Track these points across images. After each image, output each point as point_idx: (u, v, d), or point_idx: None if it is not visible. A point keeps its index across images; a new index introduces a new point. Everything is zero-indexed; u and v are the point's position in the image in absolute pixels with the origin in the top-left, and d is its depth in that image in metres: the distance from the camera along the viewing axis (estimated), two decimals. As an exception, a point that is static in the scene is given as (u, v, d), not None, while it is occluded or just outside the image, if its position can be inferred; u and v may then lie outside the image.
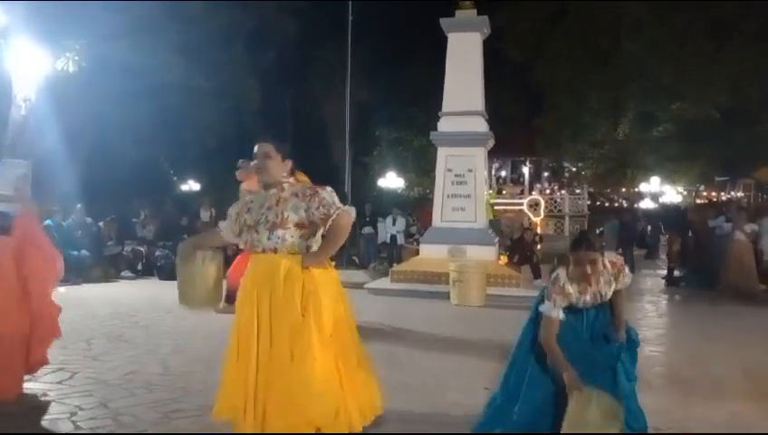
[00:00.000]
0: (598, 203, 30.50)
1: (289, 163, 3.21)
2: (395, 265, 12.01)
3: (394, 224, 15.00)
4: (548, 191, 26.42)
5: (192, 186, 22.76)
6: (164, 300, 8.31)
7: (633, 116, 23.85)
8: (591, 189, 27.65)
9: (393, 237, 14.89)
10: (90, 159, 15.69)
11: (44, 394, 4.26)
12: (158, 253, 12.26)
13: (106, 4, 11.76)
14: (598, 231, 23.18)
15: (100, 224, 12.59)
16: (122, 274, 11.96)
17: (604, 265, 3.35)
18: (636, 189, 28.31)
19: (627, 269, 3.50)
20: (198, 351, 5.75)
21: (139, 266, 12.24)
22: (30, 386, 4.30)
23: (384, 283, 10.66)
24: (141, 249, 12.48)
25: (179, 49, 14.72)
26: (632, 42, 21.52)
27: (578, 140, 24.48)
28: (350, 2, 13.18)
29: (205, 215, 14.69)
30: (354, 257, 13.39)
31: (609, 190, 31.75)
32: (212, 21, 15.64)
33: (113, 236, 12.64)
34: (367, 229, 15.69)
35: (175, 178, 22.97)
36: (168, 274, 11.42)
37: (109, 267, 11.56)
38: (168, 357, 5.46)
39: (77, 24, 11.65)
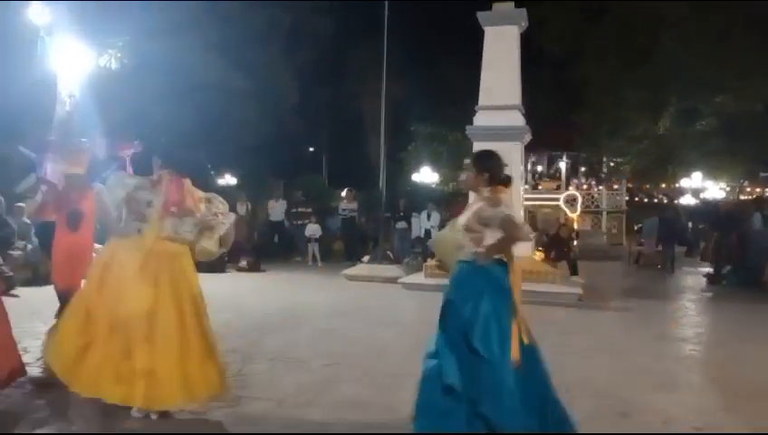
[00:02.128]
0: (637, 199, 29.89)
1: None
2: (429, 260, 11.99)
3: (429, 219, 14.97)
4: (585, 187, 26.00)
5: (229, 180, 23.07)
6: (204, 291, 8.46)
7: (674, 111, 23.29)
8: (630, 185, 27.11)
9: (428, 232, 14.86)
10: (131, 155, 15.99)
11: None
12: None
13: (147, 3, 11.99)
14: (636, 228, 22.76)
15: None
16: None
17: None
18: (677, 185, 27.63)
19: None
20: (235, 342, 5.84)
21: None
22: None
23: (418, 278, 10.65)
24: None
25: (218, 48, 14.95)
26: (672, 38, 21.04)
27: (617, 135, 24.03)
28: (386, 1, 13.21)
29: (241, 209, 14.91)
30: (388, 252, 13.42)
31: (648, 186, 31.08)
32: (249, 21, 15.84)
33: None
34: (401, 224, 15.70)
35: (212, 173, 23.33)
36: (205, 266, 11.63)
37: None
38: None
39: (119, 22, 11.91)
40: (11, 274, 8.47)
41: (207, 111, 15.80)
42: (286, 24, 18.00)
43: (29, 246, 9.36)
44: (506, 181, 3.61)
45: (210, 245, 3.92)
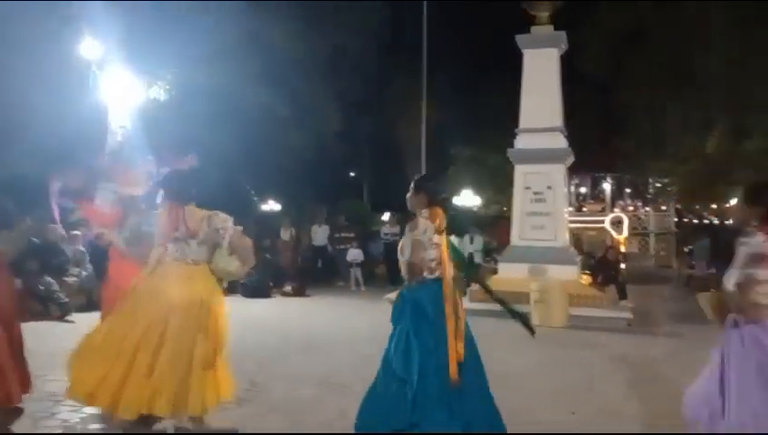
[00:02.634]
0: (686, 220, 29.07)
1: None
2: (473, 284, 11.86)
3: (471, 242, 14.85)
4: (631, 208, 25.45)
5: (272, 206, 23.38)
6: (248, 316, 8.56)
7: (723, 130, 22.68)
8: (679, 206, 26.41)
9: (470, 256, 14.74)
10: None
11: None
12: (241, 271, 12.62)
13: (192, 35, 12.38)
14: (687, 250, 22.10)
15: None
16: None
17: None
18: (728, 205, 26.80)
19: None
20: (282, 367, 5.88)
21: (224, 284, 12.64)
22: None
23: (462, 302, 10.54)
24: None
25: (261, 76, 15.29)
26: (716, 56, 20.60)
27: (661, 156, 23.51)
28: (425, 25, 13.35)
29: (285, 234, 15.08)
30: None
31: (698, 207, 30.19)
32: (292, 49, 16.18)
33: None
34: (443, 248, 15.62)
35: (256, 199, 23.71)
36: (251, 291, 11.80)
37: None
38: (254, 373, 5.60)
39: (166, 53, 12.32)
40: (66, 300, 8.73)
41: (251, 137, 16.13)
42: (327, 52, 18.32)
43: (84, 273, 9.64)
44: (441, 203, 3.69)
45: (224, 262, 4.01)
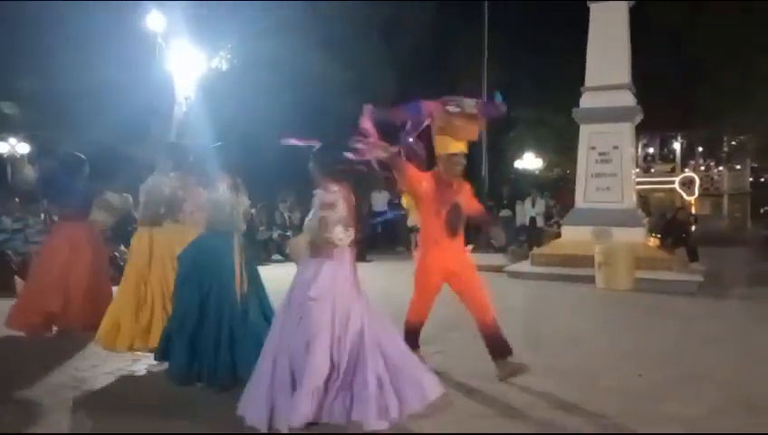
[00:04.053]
0: (762, 180, 27.59)
1: None
2: (535, 248, 11.72)
3: (533, 206, 14.62)
4: (703, 168, 24.35)
5: (332, 173, 23.67)
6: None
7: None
8: (755, 165, 25.05)
9: (532, 220, 14.53)
10: (240, 151, 16.87)
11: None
12: (304, 237, 12.89)
13: (254, 4, 12.50)
14: (763, 211, 21.06)
15: (252, 211, 13.48)
16: (272, 257, 12.74)
17: None
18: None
19: None
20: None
21: (287, 250, 12.94)
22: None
23: (524, 266, 10.45)
24: (289, 234, 13.19)
25: (320, 44, 15.36)
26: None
27: (743, 108, 22.12)
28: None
29: (345, 201, 15.24)
30: (492, 241, 13.24)
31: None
32: (350, 16, 16.14)
33: (264, 222, 13.47)
34: (504, 212, 15.45)
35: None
36: (313, 257, 12.03)
37: (260, 251, 12.35)
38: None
39: (228, 25, 12.50)
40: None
41: (310, 104, 16.28)
42: (385, 17, 18.17)
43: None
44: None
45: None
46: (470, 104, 4.19)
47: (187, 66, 11.64)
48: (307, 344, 3.16)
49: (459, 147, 4.21)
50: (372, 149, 3.72)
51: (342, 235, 3.37)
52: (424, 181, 4.13)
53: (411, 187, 4.19)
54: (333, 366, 3.17)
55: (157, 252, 4.93)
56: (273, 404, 3.15)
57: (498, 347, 4.26)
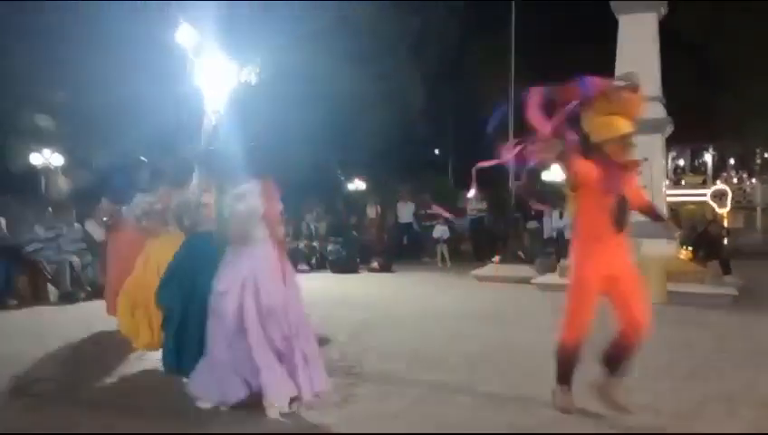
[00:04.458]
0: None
1: None
2: (563, 259, 11.58)
3: (561, 217, 14.46)
4: (735, 180, 23.89)
5: (358, 185, 23.70)
6: (337, 292, 8.77)
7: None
8: (790, 177, 24.52)
9: (560, 231, 14.36)
10: (274, 152, 17.11)
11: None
12: (330, 248, 12.96)
13: (284, 17, 12.66)
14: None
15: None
16: (299, 267, 12.79)
17: None
18: None
19: None
20: (372, 340, 5.99)
21: (313, 260, 13.02)
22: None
23: (553, 278, 10.32)
24: (315, 245, 13.27)
25: (349, 57, 15.49)
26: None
27: (769, 121, 21.75)
28: None
29: (371, 212, 15.28)
30: (519, 252, 13.15)
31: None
32: (378, 29, 16.27)
33: (290, 232, 13.57)
34: (532, 224, 15.32)
35: (343, 178, 24.11)
36: (339, 267, 12.07)
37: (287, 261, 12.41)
38: (344, 346, 5.74)
39: (257, 38, 12.66)
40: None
41: (338, 116, 16.40)
42: (413, 29, 18.26)
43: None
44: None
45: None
46: (632, 76, 3.88)
47: (216, 79, 11.79)
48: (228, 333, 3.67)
49: (629, 126, 3.75)
50: (543, 149, 3.59)
51: (254, 228, 3.70)
52: (593, 171, 3.64)
53: (583, 179, 3.69)
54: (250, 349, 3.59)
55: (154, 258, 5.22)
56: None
57: (621, 364, 3.85)
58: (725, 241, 12.24)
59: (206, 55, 11.61)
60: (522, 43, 13.74)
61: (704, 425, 3.68)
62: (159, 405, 4.03)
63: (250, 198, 3.70)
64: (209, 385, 3.70)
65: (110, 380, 4.62)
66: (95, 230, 8.82)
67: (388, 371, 4.90)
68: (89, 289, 8.47)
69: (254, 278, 3.65)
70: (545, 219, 15.14)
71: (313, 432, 3.62)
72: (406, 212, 16.02)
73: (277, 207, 3.80)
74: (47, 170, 18.85)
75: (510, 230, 13.63)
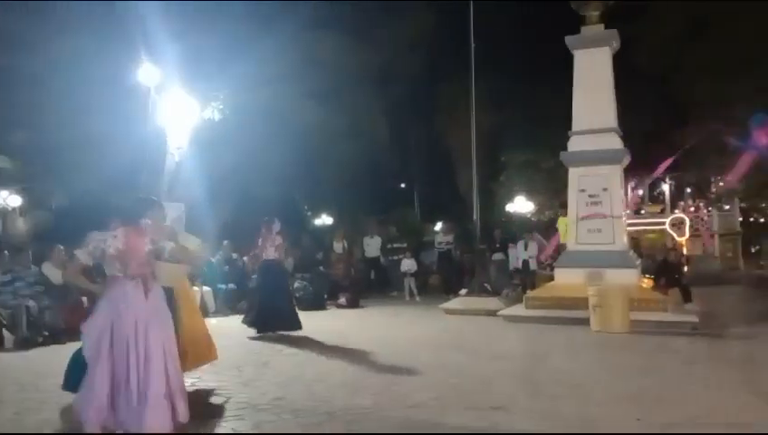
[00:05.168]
0: (752, 220, 27.81)
1: None
2: (529, 291, 11.70)
3: (526, 249, 14.64)
4: (692, 209, 24.54)
5: (325, 220, 23.65)
6: (305, 329, 8.65)
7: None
8: (744, 205, 25.29)
9: (525, 263, 14.52)
10: (234, 199, 16.95)
11: (208, 416, 4.57)
12: (296, 284, 12.82)
13: (247, 57, 12.73)
14: (754, 250, 21.14)
15: (245, 259, 13.39)
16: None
17: None
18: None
19: None
20: (342, 377, 5.91)
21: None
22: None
23: (519, 310, 10.40)
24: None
25: (314, 93, 15.61)
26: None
27: (726, 153, 22.52)
28: (472, 29, 13.33)
29: (338, 246, 15.20)
30: (486, 284, 13.22)
31: (765, 205, 28.85)
32: (342, 65, 16.47)
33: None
34: (497, 256, 15.44)
35: (309, 214, 24.04)
36: (307, 304, 11.93)
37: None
38: (312, 383, 5.65)
39: (220, 76, 12.68)
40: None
41: (304, 152, 16.43)
42: (377, 65, 18.53)
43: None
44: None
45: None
46: None
47: (179, 117, 11.74)
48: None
49: None
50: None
51: (116, 269, 3.97)
52: None
53: None
54: (117, 379, 3.80)
55: None
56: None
57: None
58: (685, 269, 12.51)
59: (168, 93, 11.60)
60: (484, 74, 14.04)
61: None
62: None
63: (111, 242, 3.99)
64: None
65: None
66: (52, 273, 8.59)
67: (355, 408, 4.83)
68: (46, 334, 8.17)
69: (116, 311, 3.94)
70: (510, 251, 15.30)
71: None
72: (373, 246, 16.00)
73: (142, 247, 4.04)
74: (4, 211, 18.38)
75: (476, 262, 13.71)
